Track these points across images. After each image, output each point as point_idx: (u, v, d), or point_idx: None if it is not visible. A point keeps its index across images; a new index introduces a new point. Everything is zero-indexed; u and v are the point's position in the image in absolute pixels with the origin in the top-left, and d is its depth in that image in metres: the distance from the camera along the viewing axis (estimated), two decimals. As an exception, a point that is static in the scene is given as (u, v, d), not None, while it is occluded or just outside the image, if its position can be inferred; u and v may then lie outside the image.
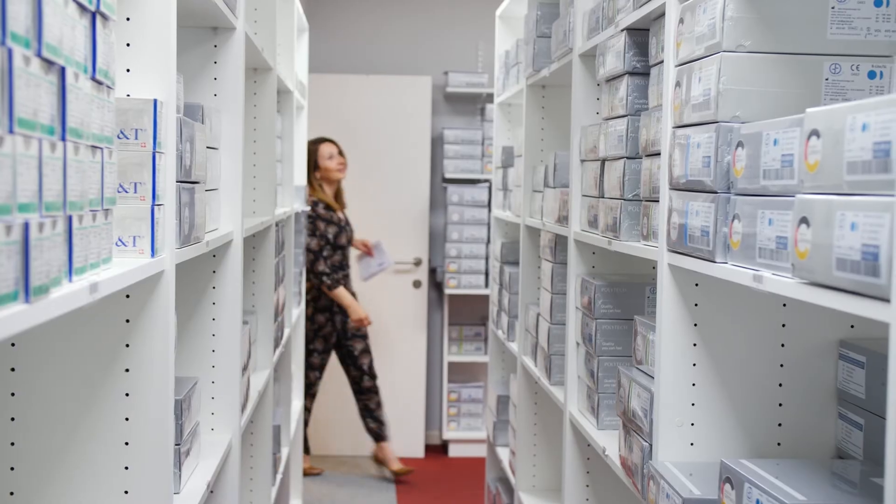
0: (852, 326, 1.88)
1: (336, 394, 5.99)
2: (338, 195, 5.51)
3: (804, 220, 1.30)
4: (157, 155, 1.68)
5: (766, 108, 1.63)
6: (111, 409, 1.71)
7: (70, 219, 1.23)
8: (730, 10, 1.63)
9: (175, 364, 1.79)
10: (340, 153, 5.44)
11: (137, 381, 1.71)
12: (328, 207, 5.36)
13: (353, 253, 5.80)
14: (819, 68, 1.64)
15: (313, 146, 5.33)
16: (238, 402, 2.44)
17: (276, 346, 3.45)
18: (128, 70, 1.71)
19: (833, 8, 1.63)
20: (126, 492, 1.72)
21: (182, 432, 1.89)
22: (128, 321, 1.71)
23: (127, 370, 1.71)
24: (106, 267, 1.42)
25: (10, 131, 1.00)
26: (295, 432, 4.52)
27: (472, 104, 6.40)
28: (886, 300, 1.11)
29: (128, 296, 1.70)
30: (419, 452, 6.14)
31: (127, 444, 1.71)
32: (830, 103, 1.61)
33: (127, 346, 1.71)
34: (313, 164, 5.32)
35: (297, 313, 4.62)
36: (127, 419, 1.71)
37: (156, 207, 1.67)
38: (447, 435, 6.18)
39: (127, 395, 1.71)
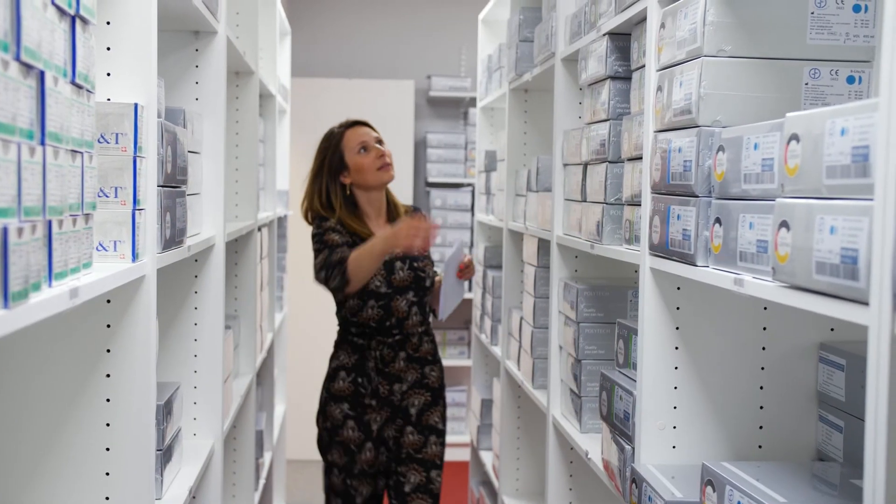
0: (832, 329, 1.89)
1: (316, 395, 5.97)
2: (389, 211, 3.30)
3: (784, 224, 1.30)
4: (137, 159, 1.67)
5: (746, 112, 1.64)
6: (92, 414, 1.70)
7: (50, 224, 1.22)
8: (710, 15, 1.64)
9: (157, 369, 1.78)
10: (379, 141, 3.25)
11: (118, 386, 1.70)
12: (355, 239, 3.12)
13: None
14: (799, 73, 1.65)
15: (336, 135, 3.24)
16: (220, 407, 2.43)
17: (259, 350, 3.44)
18: (108, 74, 1.71)
19: (812, 13, 1.64)
20: (107, 498, 1.71)
21: (164, 438, 1.89)
22: (109, 326, 1.70)
23: (108, 375, 1.70)
24: (86, 272, 1.42)
25: (-11, 136, 1.00)
26: (278, 437, 4.50)
27: (455, 108, 6.41)
28: (865, 303, 1.12)
29: (109, 301, 1.69)
30: (403, 457, 6.13)
31: (108, 449, 1.70)
32: (810, 108, 1.63)
33: (108, 351, 1.70)
34: (335, 165, 3.20)
35: (280, 318, 4.60)
36: (108, 425, 1.70)
37: (137, 212, 1.67)
38: (431, 439, 6.17)
39: (108, 400, 1.70)
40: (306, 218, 3.26)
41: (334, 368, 3.21)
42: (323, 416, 3.23)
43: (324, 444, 3.24)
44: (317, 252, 3.12)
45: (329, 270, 3.03)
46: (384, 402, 3.18)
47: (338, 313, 3.23)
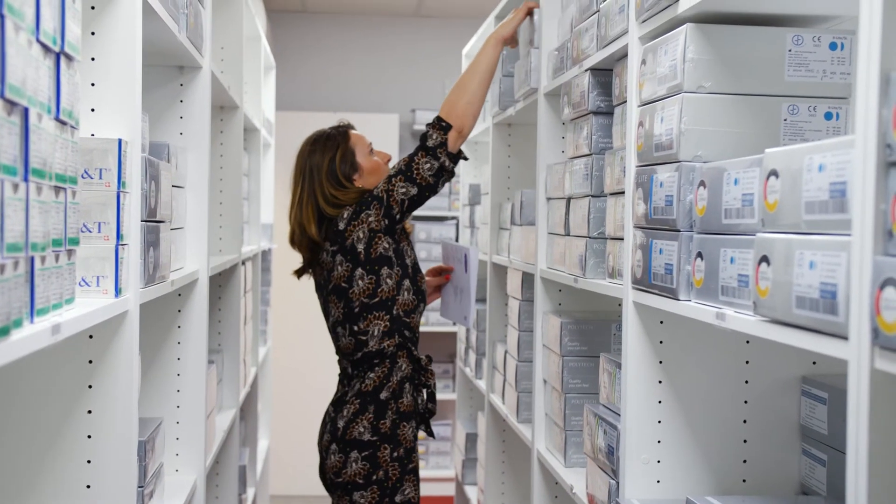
0: (814, 363, 1.90)
1: (300, 430, 5.94)
2: None
3: (764, 259, 1.32)
4: (121, 194, 1.67)
5: (726, 147, 1.66)
6: (73, 451, 1.68)
7: (32, 260, 1.22)
8: (690, 52, 1.66)
9: (139, 404, 1.77)
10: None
11: (100, 422, 1.69)
12: None
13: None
14: (777, 109, 1.67)
15: (339, 136, 2.78)
16: (203, 442, 2.42)
17: (243, 385, 3.42)
18: (92, 109, 1.71)
19: (790, 51, 1.67)
20: (87, 536, 1.69)
21: (146, 474, 1.87)
22: (91, 362, 1.69)
23: (89, 412, 1.69)
24: (69, 307, 1.41)
25: (-28, 172, 1.00)
26: (261, 472, 4.47)
27: (440, 142, 6.43)
28: (844, 338, 1.13)
29: (91, 336, 1.69)
30: (387, 491, 6.08)
31: (89, 486, 1.68)
32: (789, 143, 1.65)
33: (90, 387, 1.69)
34: (347, 167, 2.71)
35: (263, 352, 4.58)
36: (89, 462, 1.69)
37: (120, 247, 1.67)
38: (415, 473, 6.14)
39: (89, 436, 1.69)
40: (300, 235, 2.67)
41: (400, 380, 2.57)
42: (392, 443, 2.52)
43: (391, 481, 2.51)
44: (396, 174, 2.58)
45: (433, 148, 2.57)
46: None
47: (379, 314, 2.59)
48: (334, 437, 2.57)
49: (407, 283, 2.63)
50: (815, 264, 1.19)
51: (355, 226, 2.58)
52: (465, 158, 2.75)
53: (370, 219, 2.58)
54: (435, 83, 6.41)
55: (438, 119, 2.67)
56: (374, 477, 2.51)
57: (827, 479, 1.77)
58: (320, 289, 2.73)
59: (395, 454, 2.54)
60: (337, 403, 2.63)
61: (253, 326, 3.93)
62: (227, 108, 3.24)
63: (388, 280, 2.60)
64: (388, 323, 2.61)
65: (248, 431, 3.92)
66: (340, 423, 2.56)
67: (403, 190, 2.58)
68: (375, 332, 2.60)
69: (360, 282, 2.59)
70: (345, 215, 2.61)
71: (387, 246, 2.60)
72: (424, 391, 2.68)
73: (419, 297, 2.68)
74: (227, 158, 3.24)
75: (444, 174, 2.64)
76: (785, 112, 1.67)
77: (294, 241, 2.73)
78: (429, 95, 6.41)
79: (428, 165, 2.59)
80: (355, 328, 2.61)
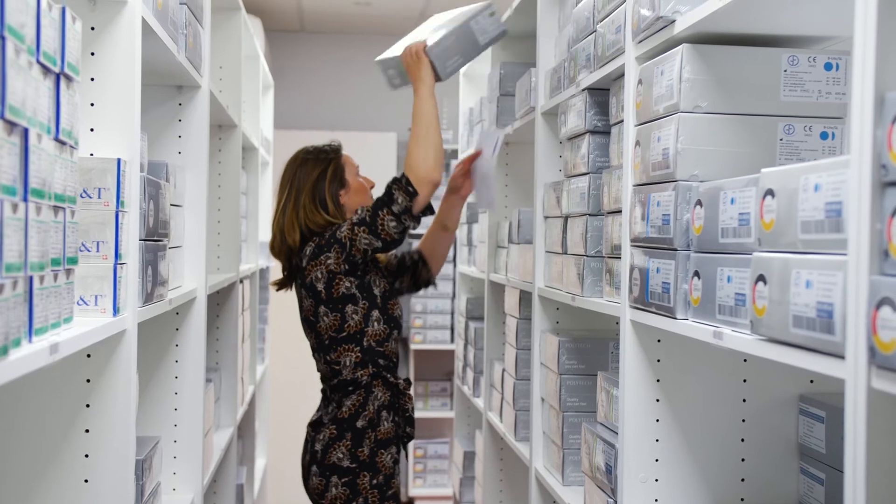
0: (812, 381, 1.90)
1: (298, 448, 5.92)
2: None
3: (761, 278, 1.32)
4: (120, 214, 1.67)
5: (723, 167, 1.67)
6: (70, 470, 1.68)
7: (31, 279, 1.22)
8: (686, 72, 1.67)
9: (136, 423, 1.77)
10: None
11: (98, 441, 1.69)
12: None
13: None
14: (773, 129, 1.68)
15: (334, 152, 2.76)
16: (200, 461, 2.41)
17: (240, 403, 3.42)
18: (92, 129, 1.72)
19: (785, 71, 1.68)
20: (84, 556, 1.68)
21: (143, 493, 1.87)
22: (88, 381, 1.69)
23: (87, 431, 1.69)
24: (67, 326, 1.41)
25: (-28, 193, 1.00)
26: (259, 491, 4.45)
27: (437, 160, 6.45)
28: (841, 357, 1.13)
29: (89, 355, 1.69)
30: (385, 510, 6.06)
31: (86, 506, 1.68)
32: (785, 163, 1.65)
33: (87, 406, 1.69)
34: (337, 181, 2.71)
35: (261, 370, 4.58)
36: (86, 481, 1.68)
37: (118, 266, 1.67)
38: (413, 492, 6.12)
39: (87, 455, 1.69)
40: (280, 242, 2.67)
41: (377, 409, 2.58)
42: (371, 470, 2.55)
43: None
44: (360, 224, 2.52)
45: (398, 214, 2.52)
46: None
47: (349, 346, 2.59)
48: (314, 459, 2.60)
49: (376, 313, 2.61)
50: (812, 283, 1.19)
51: (314, 266, 2.59)
52: (432, 213, 2.71)
53: (329, 261, 2.57)
54: (433, 102, 6.43)
55: (407, 181, 2.57)
56: (354, 503, 2.55)
57: (825, 497, 1.77)
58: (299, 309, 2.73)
59: (375, 481, 2.56)
60: (314, 425, 2.64)
61: (251, 344, 3.93)
62: (225, 127, 3.25)
63: (355, 315, 2.59)
64: (359, 354, 2.60)
65: (245, 450, 3.91)
66: (318, 447, 2.59)
67: (367, 241, 2.55)
68: (348, 363, 2.61)
69: (325, 318, 2.61)
70: (307, 251, 2.62)
71: (349, 285, 2.58)
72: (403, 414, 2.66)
73: (391, 324, 2.65)
74: (225, 177, 3.25)
75: (408, 231, 2.60)
76: (781, 132, 1.68)
77: (274, 249, 2.72)
78: (426, 114, 6.42)
79: (393, 224, 2.55)
80: (328, 357, 2.63)
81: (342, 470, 2.54)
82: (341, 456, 2.55)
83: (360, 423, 2.57)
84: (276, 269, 5.50)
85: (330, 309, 2.58)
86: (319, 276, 2.58)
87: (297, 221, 2.65)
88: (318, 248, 2.59)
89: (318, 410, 2.67)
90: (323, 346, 2.62)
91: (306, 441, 2.65)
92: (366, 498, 2.54)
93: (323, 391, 2.67)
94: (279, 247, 2.69)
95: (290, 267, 2.70)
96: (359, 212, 2.58)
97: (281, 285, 2.77)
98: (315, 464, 2.58)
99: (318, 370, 2.68)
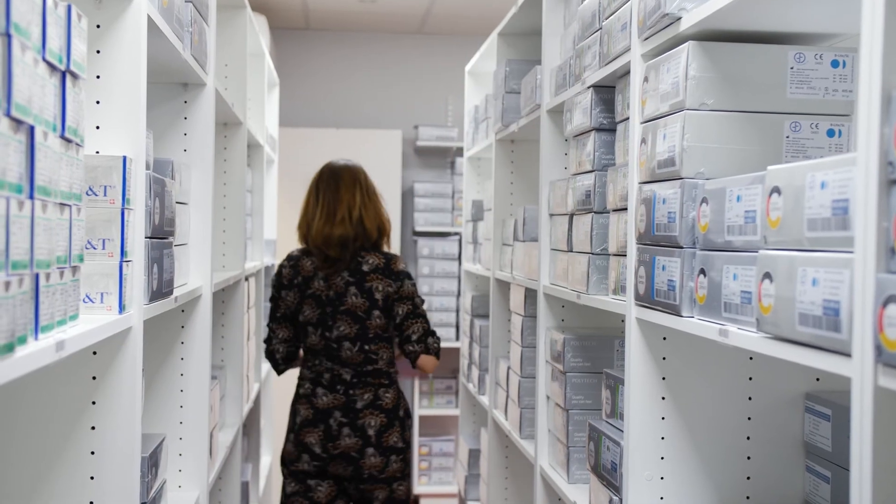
0: (818, 379, 1.90)
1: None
2: None
3: (767, 276, 1.32)
4: (125, 211, 1.68)
5: (729, 164, 1.66)
6: (76, 467, 1.68)
7: (37, 277, 1.22)
8: (692, 69, 1.67)
9: (142, 420, 1.77)
10: None
11: (103, 438, 1.69)
12: None
13: None
14: (780, 126, 1.67)
15: (362, 170, 3.33)
16: (206, 458, 2.41)
17: (246, 401, 3.42)
18: (97, 127, 1.72)
19: (792, 68, 1.67)
20: (90, 553, 1.69)
21: (149, 490, 1.87)
22: (94, 378, 1.69)
23: (93, 428, 1.69)
24: (73, 324, 1.41)
25: (-22, 190, 1.00)
26: (264, 489, 4.46)
27: (443, 158, 6.45)
28: (848, 355, 1.13)
29: (95, 353, 1.69)
30: (390, 508, 6.07)
31: (92, 503, 1.68)
32: (791, 160, 1.65)
33: (93, 403, 1.69)
34: (376, 194, 3.30)
35: (266, 368, 4.58)
36: (92, 478, 1.69)
37: (124, 264, 1.67)
38: (418, 489, 6.12)
39: (93, 453, 1.69)
40: (372, 233, 3.20)
41: (406, 406, 3.29)
42: (411, 449, 3.29)
43: (412, 475, 3.39)
44: (420, 310, 3.25)
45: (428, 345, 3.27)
46: None
47: (386, 345, 3.22)
48: (368, 442, 3.12)
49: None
50: (818, 281, 1.19)
51: (378, 279, 3.15)
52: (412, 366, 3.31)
53: (390, 289, 3.16)
54: (438, 100, 6.43)
55: (434, 357, 3.28)
56: (407, 472, 3.21)
57: (831, 496, 1.76)
58: (314, 297, 3.16)
59: (411, 458, 3.23)
60: (347, 411, 3.12)
61: (256, 342, 3.93)
62: (230, 125, 3.26)
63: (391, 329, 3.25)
64: (391, 355, 3.23)
65: (250, 447, 3.91)
66: (371, 432, 3.13)
67: (409, 314, 3.20)
68: (384, 357, 3.20)
69: (377, 319, 3.18)
70: (371, 261, 3.16)
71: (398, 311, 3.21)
72: None
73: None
74: (230, 175, 3.25)
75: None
76: (787, 129, 1.67)
77: (347, 239, 3.16)
78: (432, 112, 6.43)
79: (430, 342, 3.24)
80: (367, 347, 3.15)
81: (398, 450, 3.17)
82: (395, 439, 3.16)
83: (401, 413, 3.20)
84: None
85: (382, 313, 3.16)
86: (381, 288, 3.15)
87: (377, 219, 3.21)
88: (387, 269, 3.17)
89: (333, 397, 3.13)
90: (366, 337, 3.14)
91: (335, 426, 3.11)
92: (411, 469, 3.29)
93: (337, 375, 3.12)
94: (353, 238, 3.15)
95: (339, 255, 3.14)
96: (421, 311, 3.23)
97: (337, 270, 3.16)
98: (371, 446, 3.12)
99: (342, 356, 3.11)
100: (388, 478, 3.15)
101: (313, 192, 3.26)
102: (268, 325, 3.27)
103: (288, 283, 3.22)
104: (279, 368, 3.29)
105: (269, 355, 3.27)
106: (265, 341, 3.29)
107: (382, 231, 3.22)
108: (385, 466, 3.14)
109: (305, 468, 3.13)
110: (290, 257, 3.28)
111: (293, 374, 6.00)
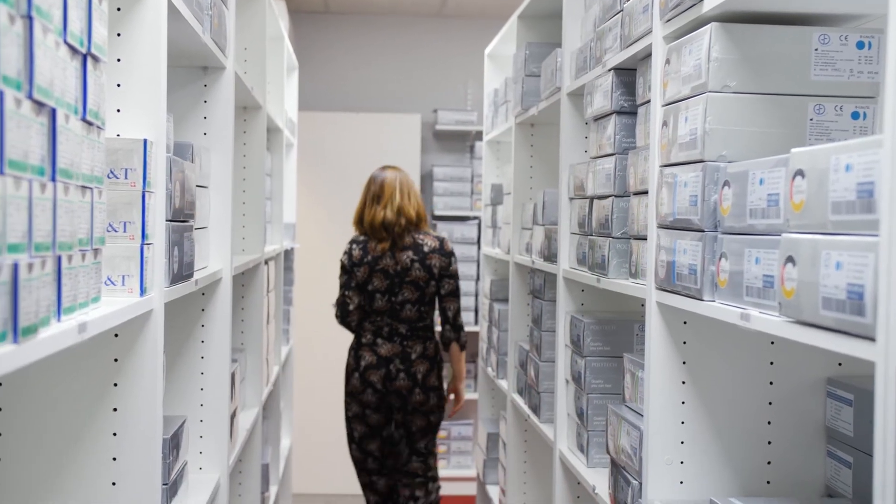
0: (840, 364, 1.89)
1: (322, 428, 5.95)
2: None
3: (790, 259, 1.31)
4: (146, 194, 1.68)
5: (751, 147, 1.65)
6: (99, 448, 1.70)
7: (59, 259, 1.23)
8: (715, 51, 1.65)
9: (163, 402, 1.79)
10: None
11: (125, 420, 1.70)
12: None
13: None
14: (803, 109, 1.66)
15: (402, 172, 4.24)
16: (226, 440, 2.43)
17: (265, 383, 3.44)
18: (118, 110, 1.72)
19: (816, 50, 1.65)
20: (113, 533, 1.70)
21: (170, 472, 1.88)
22: (116, 360, 1.70)
23: (115, 409, 1.70)
24: (94, 306, 1.42)
25: (1, 172, 1.01)
26: (283, 471, 4.48)
27: (462, 142, 6.44)
28: (872, 339, 1.12)
29: (116, 335, 1.70)
30: (409, 491, 6.09)
31: (114, 484, 1.70)
32: (815, 143, 1.63)
33: (115, 385, 1.70)
34: (413, 190, 4.18)
35: (286, 351, 4.60)
36: (114, 459, 1.70)
37: (145, 246, 1.68)
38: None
39: (115, 434, 1.70)
40: (412, 223, 4.05)
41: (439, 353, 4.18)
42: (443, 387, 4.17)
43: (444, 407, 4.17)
44: (457, 289, 4.13)
45: (456, 318, 4.18)
46: None
47: (432, 308, 4.10)
48: (416, 384, 4.00)
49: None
50: (842, 265, 1.18)
51: (435, 257, 4.03)
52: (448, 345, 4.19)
53: (442, 264, 4.05)
54: (457, 83, 6.41)
55: (461, 341, 4.17)
56: (441, 405, 4.08)
57: (853, 481, 1.76)
58: (383, 272, 4.01)
59: (444, 391, 4.14)
60: (404, 359, 4.01)
61: (275, 325, 3.94)
62: (250, 109, 3.26)
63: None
64: (434, 315, 4.11)
65: (270, 430, 3.93)
66: (419, 376, 4.01)
67: (451, 289, 4.10)
68: (432, 316, 4.10)
69: (432, 287, 4.05)
70: (428, 243, 4.05)
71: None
72: None
73: None
74: (250, 158, 3.26)
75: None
76: (811, 112, 1.66)
77: (399, 226, 4.01)
78: (451, 96, 6.41)
79: (456, 309, 4.13)
80: (422, 308, 4.04)
81: (435, 388, 4.04)
82: (434, 380, 4.04)
83: (438, 359, 4.08)
84: (300, 251, 5.52)
85: (435, 282, 4.04)
86: (437, 264, 4.03)
87: (417, 211, 4.07)
88: (441, 249, 4.06)
89: (391, 347, 4.01)
90: (423, 300, 4.03)
91: (394, 370, 3.99)
92: (444, 402, 4.10)
93: (395, 329, 4.02)
94: (403, 226, 4.02)
95: (393, 240, 4.02)
96: (458, 289, 4.11)
97: (400, 249, 4.03)
98: (418, 386, 4.00)
99: (402, 315, 4.01)
100: (427, 411, 4.04)
101: (366, 193, 4.12)
102: (344, 293, 4.07)
103: (359, 261, 4.04)
104: (350, 323, 4.08)
105: (344, 314, 4.07)
106: (339, 304, 4.08)
107: (421, 217, 4.09)
108: (426, 402, 4.02)
109: (368, 399, 4.02)
110: (356, 241, 4.08)
111: (316, 358, 6.05)
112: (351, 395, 4.07)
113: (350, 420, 4.12)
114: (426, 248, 4.04)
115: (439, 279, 4.05)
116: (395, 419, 4.10)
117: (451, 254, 4.06)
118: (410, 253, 4.02)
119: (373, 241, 4.04)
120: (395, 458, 4.15)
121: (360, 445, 4.11)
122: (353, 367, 4.04)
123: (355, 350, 4.07)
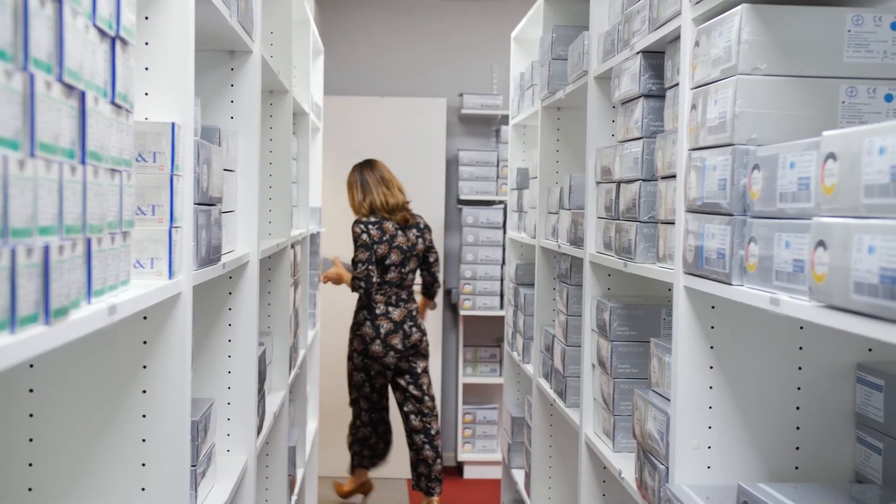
0: (870, 350, 1.87)
1: (348, 411, 5.98)
2: None
3: (821, 244, 1.29)
4: (174, 177, 1.69)
5: (782, 130, 1.63)
6: (128, 430, 1.71)
7: (89, 241, 1.24)
8: (745, 33, 1.63)
9: (191, 385, 1.80)
10: None
11: (154, 402, 1.71)
12: None
13: None
14: (835, 91, 1.64)
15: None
16: (254, 423, 2.44)
17: (292, 367, 3.46)
18: (146, 94, 1.73)
19: (849, 31, 1.63)
20: (142, 513, 1.72)
21: (198, 454, 1.90)
22: (145, 343, 1.72)
23: (144, 391, 1.72)
24: (124, 289, 1.43)
25: (32, 155, 1.01)
26: (310, 453, 4.51)
27: (487, 126, 6.42)
28: (905, 324, 1.10)
29: (145, 317, 1.71)
30: (434, 474, 6.12)
31: (144, 465, 1.71)
32: (847, 126, 1.61)
33: (144, 367, 1.72)
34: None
35: (312, 334, 4.62)
36: (144, 440, 1.71)
37: (173, 230, 1.68)
38: (462, 456, 6.16)
39: (144, 416, 1.72)
40: (405, 200, 4.98)
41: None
42: None
43: None
44: (436, 259, 5.15)
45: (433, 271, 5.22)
46: None
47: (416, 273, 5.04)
48: (423, 332, 4.93)
49: None
50: (875, 249, 1.16)
51: (427, 233, 5.00)
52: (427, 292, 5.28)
53: (430, 237, 5.03)
54: (483, 67, 6.39)
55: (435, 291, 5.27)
56: (429, 349, 5.06)
57: (882, 467, 1.74)
58: (399, 248, 4.82)
59: None
60: (411, 318, 4.88)
61: (302, 309, 3.96)
62: (276, 93, 3.26)
63: None
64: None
65: (296, 412, 3.96)
66: (422, 326, 4.95)
67: (432, 254, 5.12)
68: (416, 280, 5.04)
69: (428, 256, 5.04)
70: (420, 223, 4.98)
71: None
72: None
73: None
74: (276, 142, 3.26)
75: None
76: (843, 94, 1.64)
77: (398, 207, 4.85)
78: (477, 79, 6.39)
79: (431, 265, 5.15)
80: (414, 275, 4.94)
81: (425, 331, 4.97)
82: (423, 325, 4.97)
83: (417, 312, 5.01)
84: (326, 235, 5.53)
85: (426, 253, 5.01)
86: (428, 238, 4.99)
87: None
88: (427, 227, 5.01)
89: (399, 310, 4.85)
90: (416, 269, 4.93)
91: (407, 326, 4.85)
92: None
93: (397, 295, 4.85)
94: (408, 208, 4.96)
95: (404, 217, 4.90)
96: (435, 256, 5.11)
97: (409, 227, 4.92)
98: (422, 333, 4.92)
99: (404, 282, 4.88)
100: (425, 351, 4.98)
101: (365, 181, 4.89)
102: (367, 268, 4.73)
103: (378, 239, 4.77)
104: (371, 293, 4.80)
105: (369, 286, 4.75)
106: (364, 277, 4.72)
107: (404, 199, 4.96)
108: (426, 344, 4.98)
109: (389, 361, 4.85)
110: (369, 222, 4.76)
111: (341, 342, 6.08)
112: (372, 357, 4.87)
113: (358, 375, 5.00)
114: (422, 226, 4.97)
115: (427, 251, 5.02)
116: (402, 369, 4.95)
117: (429, 229, 5.05)
118: (415, 231, 4.91)
119: (388, 222, 4.79)
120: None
121: (372, 385, 5.03)
122: (374, 336, 4.81)
123: (371, 321, 4.83)
